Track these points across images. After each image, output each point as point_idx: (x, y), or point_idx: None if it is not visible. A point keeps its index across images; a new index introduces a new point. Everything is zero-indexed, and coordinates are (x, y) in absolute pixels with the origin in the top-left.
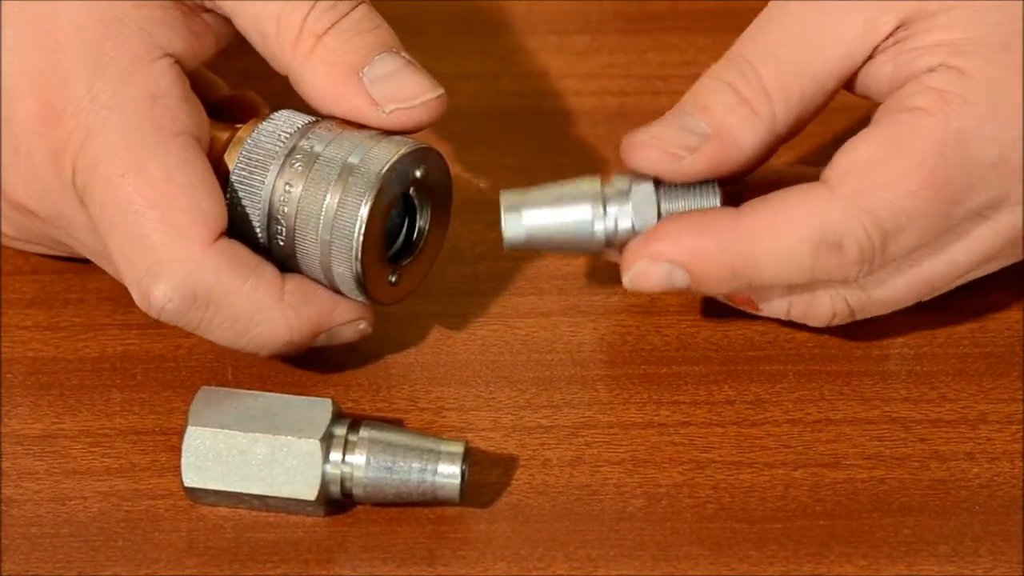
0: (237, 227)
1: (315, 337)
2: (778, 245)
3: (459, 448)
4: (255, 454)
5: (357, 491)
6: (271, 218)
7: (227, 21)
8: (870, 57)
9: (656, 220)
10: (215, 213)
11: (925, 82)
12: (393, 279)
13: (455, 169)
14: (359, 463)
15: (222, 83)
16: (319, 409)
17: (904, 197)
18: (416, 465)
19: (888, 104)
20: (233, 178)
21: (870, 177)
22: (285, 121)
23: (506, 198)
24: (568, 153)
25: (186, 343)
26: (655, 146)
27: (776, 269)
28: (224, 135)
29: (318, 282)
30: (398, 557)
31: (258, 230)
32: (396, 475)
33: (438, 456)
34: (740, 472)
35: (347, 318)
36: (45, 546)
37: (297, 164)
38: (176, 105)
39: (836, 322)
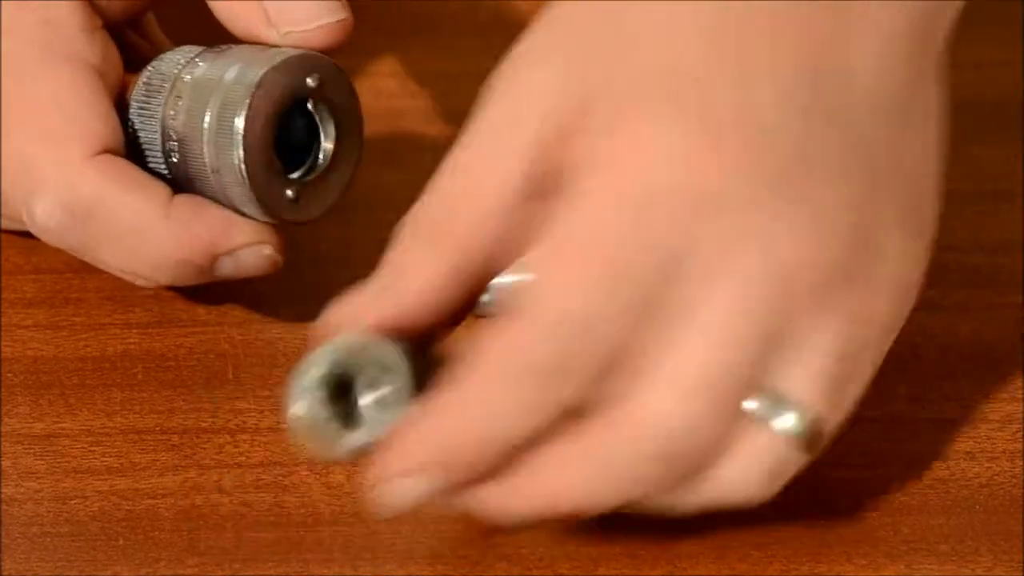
0: (139, 154)
1: (212, 259)
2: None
3: None
4: None
5: None
6: (164, 138)
7: None
8: None
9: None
10: (97, 128)
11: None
12: (291, 194)
13: None
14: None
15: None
16: None
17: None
18: None
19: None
20: (132, 105)
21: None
22: (187, 49)
23: None
24: None
25: (186, 343)
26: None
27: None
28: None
29: (217, 202)
30: (398, 557)
31: (158, 154)
32: None
33: None
34: None
35: (245, 239)
36: (45, 545)
37: (186, 82)
38: (72, 34)
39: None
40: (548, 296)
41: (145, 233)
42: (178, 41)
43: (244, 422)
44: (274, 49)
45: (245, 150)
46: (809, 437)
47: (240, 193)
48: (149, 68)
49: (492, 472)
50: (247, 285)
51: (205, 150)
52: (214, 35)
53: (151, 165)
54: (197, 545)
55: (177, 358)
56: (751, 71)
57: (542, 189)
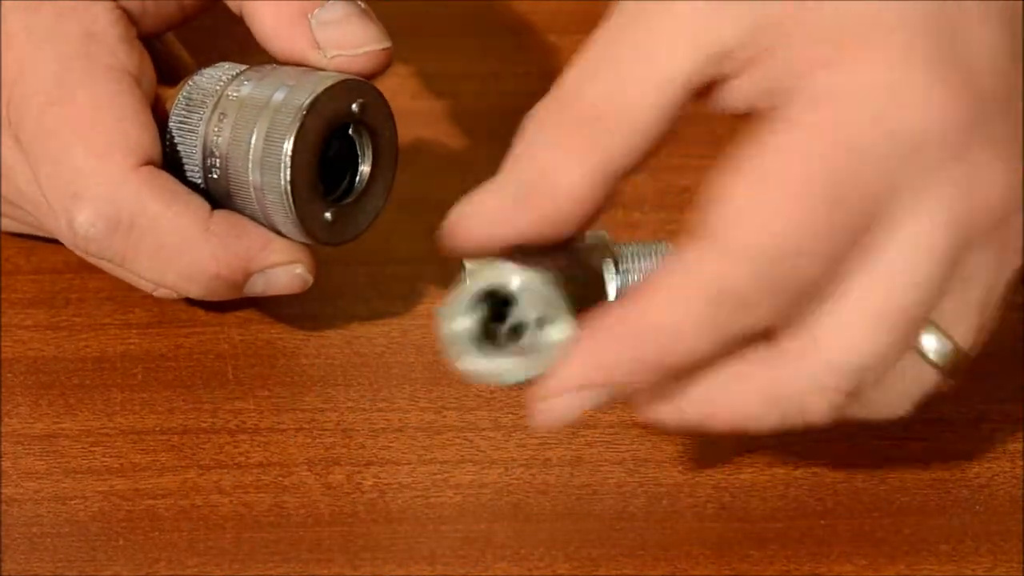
0: (177, 167)
1: (246, 276)
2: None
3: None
4: None
5: None
6: (206, 154)
7: None
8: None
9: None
10: (141, 141)
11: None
12: (329, 216)
13: (456, 170)
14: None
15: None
16: None
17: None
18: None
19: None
20: (172, 118)
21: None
22: (228, 66)
23: (468, 266)
24: None
25: (187, 343)
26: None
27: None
28: (167, 93)
29: (255, 219)
30: (398, 557)
31: (196, 168)
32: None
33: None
34: (740, 471)
35: (280, 258)
36: (45, 546)
37: (231, 100)
38: (114, 43)
39: (823, 409)
40: (749, 221)
41: (184, 246)
42: (193, 53)
43: (244, 422)
44: (319, 73)
45: (292, 174)
46: (958, 365)
47: (281, 214)
48: (190, 83)
49: (666, 384)
50: None
51: (250, 170)
52: (231, 50)
53: (188, 179)
54: (196, 545)
55: (177, 358)
56: (969, 15)
57: (697, 96)
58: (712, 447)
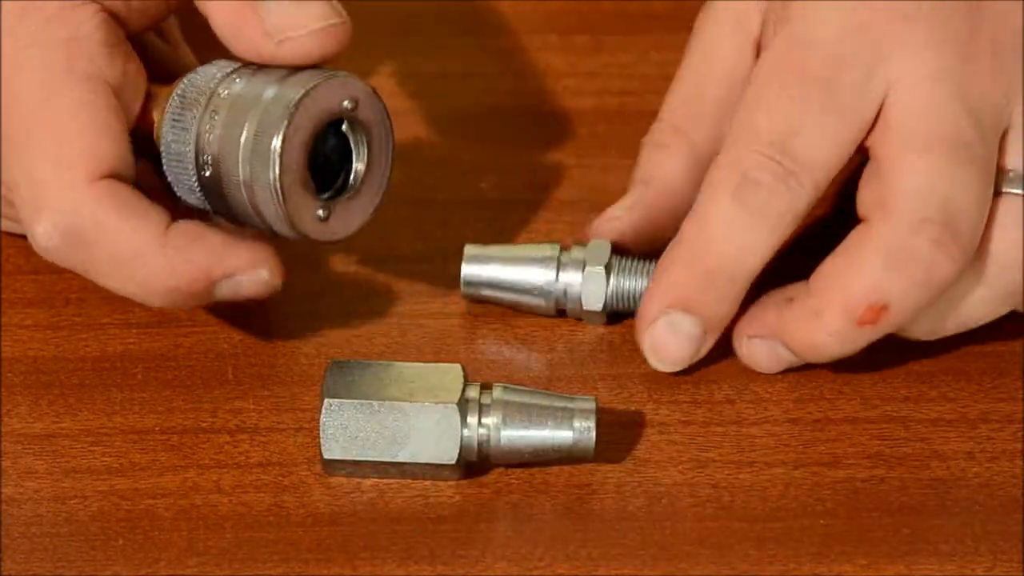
0: (172, 165)
1: (208, 284)
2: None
3: (591, 404)
4: (392, 422)
5: (494, 453)
6: (199, 152)
7: None
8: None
9: (603, 299)
10: (106, 152)
11: None
12: (322, 214)
13: (455, 169)
14: (495, 425)
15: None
16: (451, 374)
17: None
18: (550, 423)
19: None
20: (167, 117)
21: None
22: (223, 63)
23: (468, 250)
24: (569, 153)
25: (186, 343)
26: (601, 223)
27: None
28: (162, 92)
29: (247, 217)
30: (398, 556)
31: (191, 167)
32: (532, 435)
33: (572, 413)
34: (740, 471)
35: (241, 263)
36: (45, 545)
37: (223, 98)
38: (96, 50)
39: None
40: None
41: (139, 260)
42: (196, 45)
43: (243, 422)
44: (313, 70)
45: (281, 169)
46: None
47: (272, 210)
48: (184, 81)
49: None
50: None
51: (240, 167)
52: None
53: (182, 177)
54: (196, 545)
55: (177, 358)
56: None
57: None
58: (712, 447)
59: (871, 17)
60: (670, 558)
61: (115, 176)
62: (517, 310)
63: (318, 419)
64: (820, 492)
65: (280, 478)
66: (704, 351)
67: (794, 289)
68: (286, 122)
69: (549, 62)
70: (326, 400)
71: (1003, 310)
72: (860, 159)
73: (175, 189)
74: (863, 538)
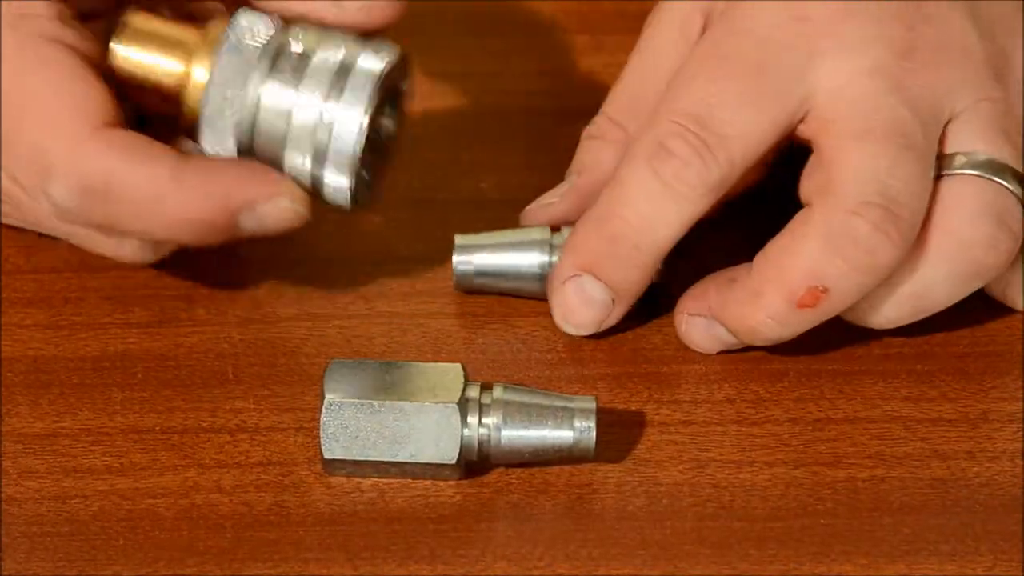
0: (214, 112)
1: (230, 216)
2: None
3: (591, 403)
4: (392, 422)
5: (494, 453)
6: (260, 107)
7: None
8: None
9: None
10: (93, 103)
11: None
12: (367, 177)
13: (456, 170)
14: (495, 424)
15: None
16: (451, 374)
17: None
18: (551, 423)
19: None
20: (223, 60)
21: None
22: (258, 20)
23: (459, 239)
24: (569, 153)
25: (186, 342)
26: (535, 209)
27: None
28: (188, 37)
29: (299, 179)
30: (398, 556)
31: (239, 118)
32: (532, 435)
33: (572, 413)
34: (740, 471)
35: (260, 192)
36: (45, 545)
37: (286, 62)
38: (47, 20)
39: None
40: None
41: (159, 201)
42: None
43: (244, 422)
44: (368, 39)
45: (363, 146)
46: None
47: (337, 181)
48: (231, 31)
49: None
50: (246, 285)
51: (313, 133)
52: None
53: (218, 123)
54: (197, 545)
55: (177, 358)
56: None
57: None
58: (713, 447)
59: (810, 12)
60: (670, 558)
61: (113, 124)
62: (511, 295)
63: (318, 419)
64: (820, 492)
65: (280, 478)
66: (614, 319)
67: (737, 271)
68: (372, 98)
69: (550, 62)
70: (326, 400)
71: (965, 292)
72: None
73: (201, 130)
74: (864, 538)
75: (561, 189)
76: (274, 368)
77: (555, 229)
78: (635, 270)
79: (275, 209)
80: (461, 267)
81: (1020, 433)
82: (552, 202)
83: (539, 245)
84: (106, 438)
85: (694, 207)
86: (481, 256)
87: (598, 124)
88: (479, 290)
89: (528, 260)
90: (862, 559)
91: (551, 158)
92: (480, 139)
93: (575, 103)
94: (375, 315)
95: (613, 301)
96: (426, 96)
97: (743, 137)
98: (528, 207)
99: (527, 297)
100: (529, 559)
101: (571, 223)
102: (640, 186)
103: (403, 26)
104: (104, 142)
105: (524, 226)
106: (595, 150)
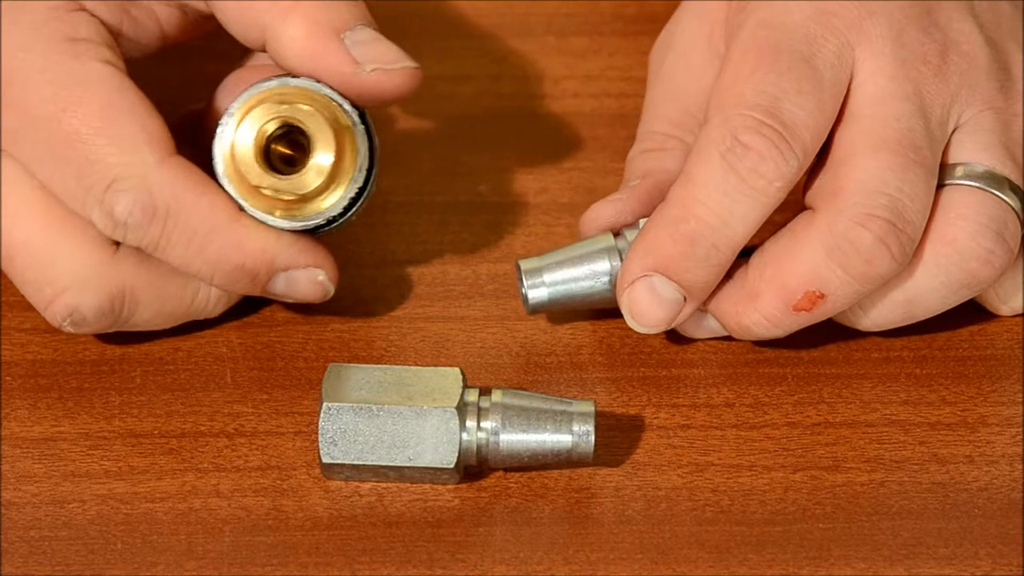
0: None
1: (269, 271)
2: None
3: (590, 407)
4: (391, 426)
5: (493, 457)
6: None
7: (172, 7)
8: None
9: None
10: (161, 133)
11: None
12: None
13: (453, 172)
14: (494, 429)
15: None
16: (450, 378)
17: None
18: (549, 427)
19: None
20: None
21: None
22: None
23: (525, 263)
24: (568, 155)
25: (185, 346)
26: (600, 204)
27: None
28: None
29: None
30: (397, 560)
31: None
32: (531, 439)
33: (571, 417)
34: (739, 475)
35: (305, 259)
36: (44, 549)
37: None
38: (98, 45)
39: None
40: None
41: (214, 234)
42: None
43: (242, 426)
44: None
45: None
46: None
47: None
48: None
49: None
50: None
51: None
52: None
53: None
54: (195, 549)
55: (175, 362)
56: None
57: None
58: (712, 451)
59: (835, 8)
60: (669, 562)
61: (176, 154)
62: (585, 306)
63: (317, 423)
64: (819, 496)
65: (279, 482)
66: (684, 316)
67: (733, 265)
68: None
69: (548, 64)
70: (325, 404)
71: (956, 301)
72: None
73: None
74: (862, 542)
75: (627, 190)
76: (272, 372)
77: (616, 234)
78: (712, 269)
79: (309, 280)
80: (534, 293)
81: (1019, 437)
82: (619, 197)
83: (607, 253)
84: (104, 442)
85: (771, 201)
86: (552, 276)
87: (651, 139)
88: (554, 310)
89: (600, 268)
90: (861, 563)
91: (550, 161)
92: (478, 142)
93: (574, 106)
94: (374, 319)
95: (684, 299)
96: (424, 99)
97: (811, 128)
98: (594, 204)
99: (603, 305)
100: (528, 563)
101: (628, 224)
102: (716, 183)
103: (401, 28)
104: (173, 169)
105: (584, 224)
106: (657, 159)
